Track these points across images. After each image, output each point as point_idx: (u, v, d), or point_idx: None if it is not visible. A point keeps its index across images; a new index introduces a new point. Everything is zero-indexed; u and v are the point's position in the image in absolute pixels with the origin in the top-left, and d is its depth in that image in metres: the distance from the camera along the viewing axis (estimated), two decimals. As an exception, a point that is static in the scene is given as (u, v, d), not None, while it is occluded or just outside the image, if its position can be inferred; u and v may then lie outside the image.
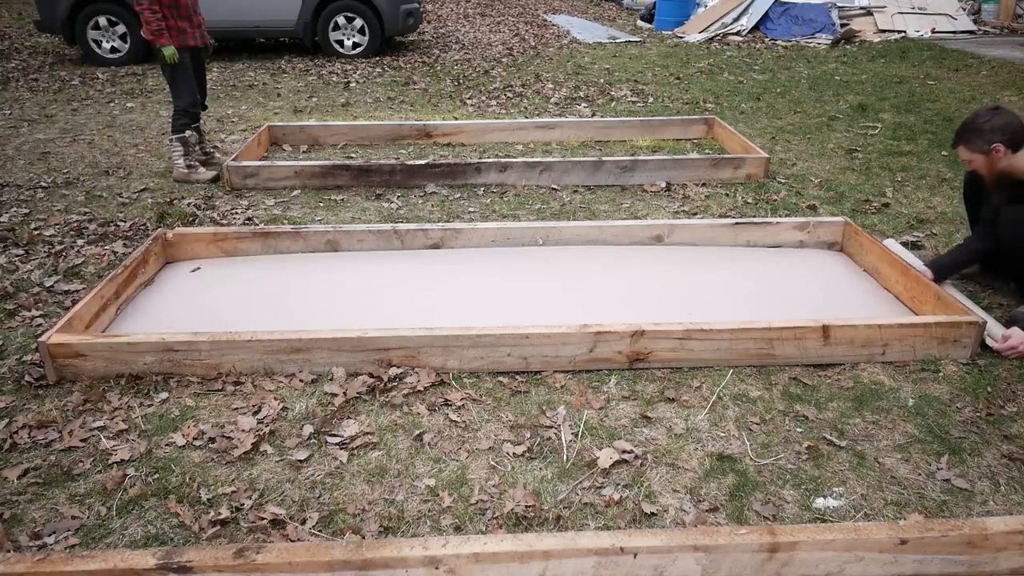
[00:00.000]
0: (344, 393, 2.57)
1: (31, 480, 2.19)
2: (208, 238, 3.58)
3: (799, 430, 2.42)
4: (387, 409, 2.52)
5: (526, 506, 2.08)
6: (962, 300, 2.95)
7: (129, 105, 6.98)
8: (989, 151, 2.91)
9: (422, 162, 4.72)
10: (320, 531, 2.01)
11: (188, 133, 4.86)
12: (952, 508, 2.10)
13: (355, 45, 9.44)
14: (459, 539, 1.76)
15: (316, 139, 5.77)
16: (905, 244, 3.71)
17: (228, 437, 2.36)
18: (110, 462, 2.26)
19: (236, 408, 2.51)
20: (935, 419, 2.47)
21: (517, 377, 2.68)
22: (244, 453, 2.29)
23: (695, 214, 4.27)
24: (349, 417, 2.47)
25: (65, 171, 5.04)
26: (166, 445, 2.34)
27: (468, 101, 7.21)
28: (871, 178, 4.85)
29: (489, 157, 5.35)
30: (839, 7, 11.36)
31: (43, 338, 2.60)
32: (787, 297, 3.20)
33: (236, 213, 4.30)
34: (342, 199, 4.53)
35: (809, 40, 10.70)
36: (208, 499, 2.12)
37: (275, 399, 2.55)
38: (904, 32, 10.92)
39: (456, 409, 2.51)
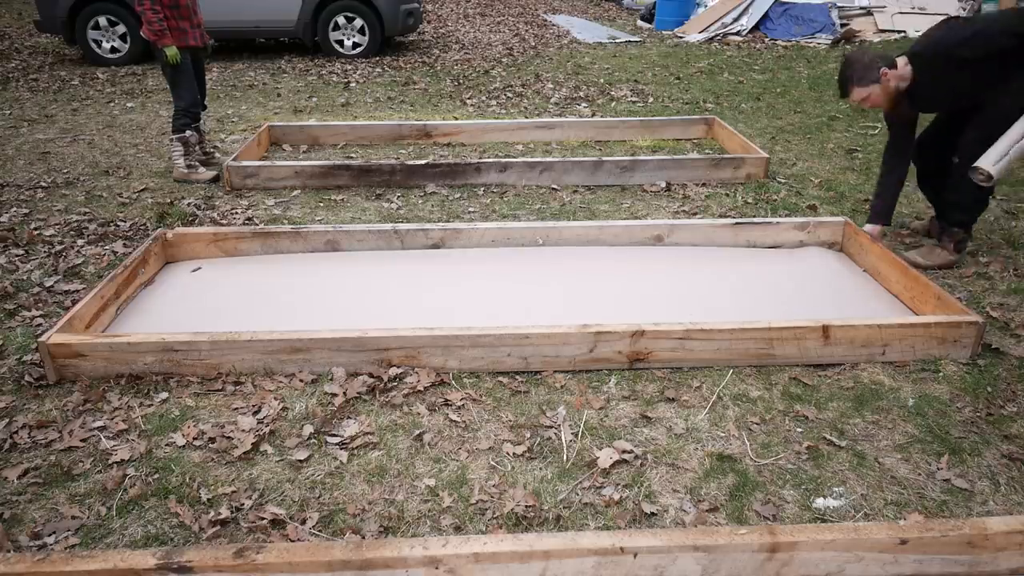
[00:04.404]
0: (344, 393, 2.57)
1: (31, 480, 2.19)
2: (208, 238, 3.58)
3: (799, 430, 2.42)
4: (387, 409, 2.52)
5: (526, 506, 2.08)
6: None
7: (129, 105, 6.98)
8: (880, 77, 3.17)
9: (422, 162, 4.72)
10: (320, 531, 2.01)
11: (188, 133, 4.86)
12: (952, 508, 2.10)
13: (355, 45, 9.44)
14: (459, 539, 1.76)
15: (316, 139, 5.76)
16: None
17: (228, 437, 2.36)
18: (110, 462, 2.26)
19: (236, 408, 2.51)
20: (935, 419, 2.47)
21: (517, 377, 2.68)
22: (244, 453, 2.29)
23: (695, 214, 4.27)
24: (349, 417, 2.47)
25: (65, 171, 5.04)
26: (166, 445, 2.34)
27: (468, 101, 7.21)
28: (871, 178, 4.84)
29: (489, 157, 5.35)
30: (839, 7, 11.36)
31: (43, 338, 2.60)
32: (787, 297, 3.20)
33: (236, 213, 4.30)
34: (342, 199, 4.53)
35: (809, 40, 10.69)
36: (208, 499, 2.12)
37: (275, 399, 2.55)
38: (904, 32, 10.91)
39: (456, 409, 2.51)
